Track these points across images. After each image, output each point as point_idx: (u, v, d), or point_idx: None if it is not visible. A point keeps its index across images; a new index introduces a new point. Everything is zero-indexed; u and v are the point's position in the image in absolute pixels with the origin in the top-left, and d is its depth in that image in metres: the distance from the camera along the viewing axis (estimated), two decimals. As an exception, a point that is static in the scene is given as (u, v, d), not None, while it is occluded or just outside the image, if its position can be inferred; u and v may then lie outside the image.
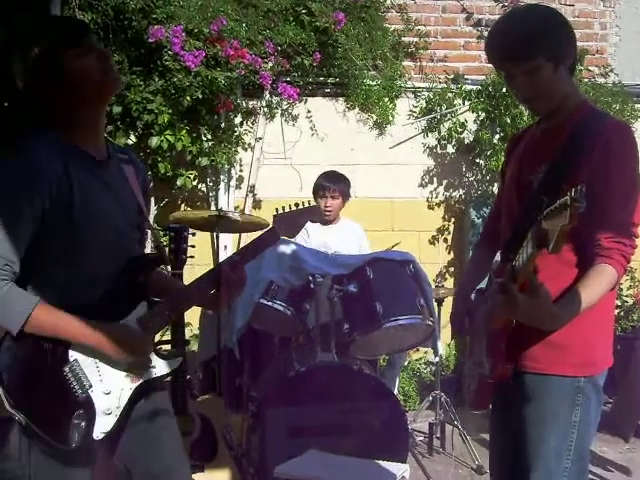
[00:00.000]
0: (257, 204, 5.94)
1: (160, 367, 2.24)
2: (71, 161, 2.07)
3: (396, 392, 5.08)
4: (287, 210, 2.42)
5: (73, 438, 2.05)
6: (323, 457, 3.30)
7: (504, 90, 5.58)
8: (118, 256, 2.21)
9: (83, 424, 2.07)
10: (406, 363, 5.56)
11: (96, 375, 2.12)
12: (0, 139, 2.29)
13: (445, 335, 5.83)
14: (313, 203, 2.49)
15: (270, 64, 5.43)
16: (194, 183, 5.69)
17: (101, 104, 2.20)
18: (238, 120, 5.81)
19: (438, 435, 4.70)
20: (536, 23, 2.21)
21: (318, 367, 3.82)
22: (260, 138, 5.88)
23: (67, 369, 2.08)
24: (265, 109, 5.87)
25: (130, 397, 2.16)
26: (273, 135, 5.95)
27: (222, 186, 5.85)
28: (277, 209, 2.39)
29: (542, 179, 2.24)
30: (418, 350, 5.74)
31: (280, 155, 5.94)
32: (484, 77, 5.88)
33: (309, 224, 4.93)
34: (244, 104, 5.78)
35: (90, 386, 2.10)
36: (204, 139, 5.51)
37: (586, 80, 5.80)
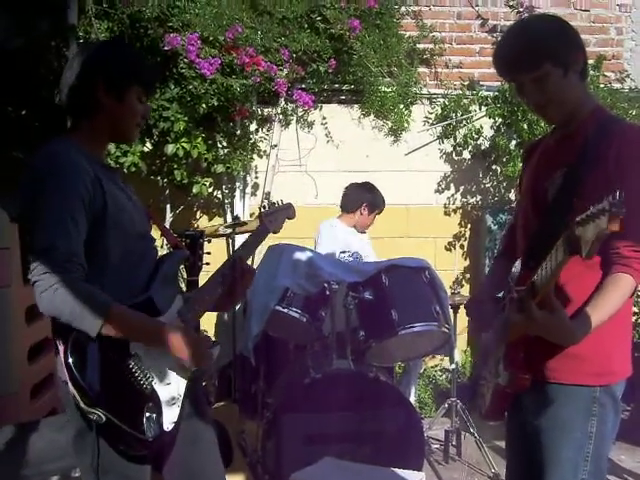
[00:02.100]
0: (272, 211, 5.94)
1: None
2: (95, 168, 2.19)
3: (414, 399, 5.07)
4: (269, 208, 2.81)
5: (150, 430, 2.13)
6: (339, 465, 3.30)
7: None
8: (146, 256, 2.32)
9: (154, 416, 2.15)
10: (422, 370, 5.54)
11: (156, 367, 2.19)
12: (21, 143, 2.47)
13: (461, 342, 5.84)
14: (287, 202, 2.92)
15: (285, 71, 5.44)
16: (210, 190, 5.70)
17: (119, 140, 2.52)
18: (253, 127, 5.81)
19: (454, 443, 4.67)
20: (539, 31, 2.24)
21: (334, 374, 3.82)
22: (275, 145, 5.89)
23: (132, 363, 2.14)
24: (280, 116, 5.87)
25: (188, 386, 2.27)
26: (288, 142, 5.95)
27: (238, 193, 5.85)
28: (260, 207, 2.78)
29: (558, 186, 2.23)
30: (434, 357, 5.73)
31: (295, 162, 5.94)
32: (499, 83, 5.85)
33: (335, 222, 5.00)
34: (259, 111, 5.79)
35: (152, 378, 2.18)
36: (220, 146, 5.52)
37: (602, 86, 5.77)
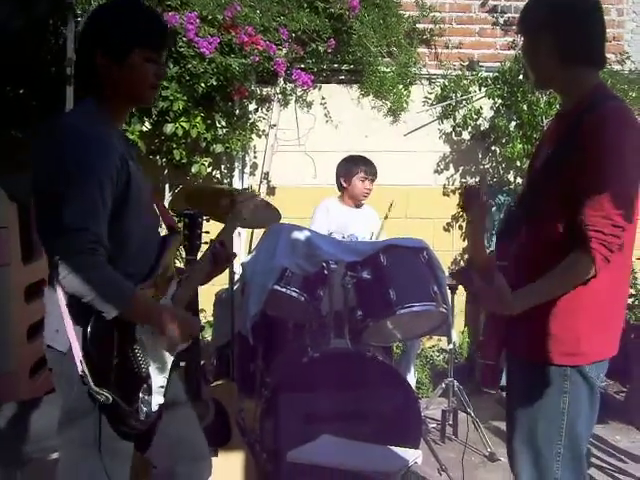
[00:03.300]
0: (271, 191, 5.94)
1: None
2: (119, 140, 2.22)
3: (414, 379, 5.09)
4: (244, 195, 3.02)
5: (142, 411, 2.21)
6: (336, 443, 3.32)
7: (520, 77, 5.55)
8: (153, 236, 2.37)
9: (146, 397, 2.23)
10: (419, 350, 5.55)
11: (152, 352, 2.26)
12: (20, 122, 2.48)
13: (458, 322, 5.86)
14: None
15: (284, 51, 5.42)
16: (208, 170, 5.70)
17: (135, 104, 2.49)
18: (252, 107, 5.80)
19: (451, 422, 4.70)
20: (554, 4, 2.28)
21: (332, 353, 3.84)
22: (274, 125, 5.88)
23: (136, 347, 2.20)
24: (279, 96, 5.86)
25: (170, 370, 2.34)
26: (287, 122, 5.94)
27: (236, 173, 5.86)
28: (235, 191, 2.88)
29: (542, 165, 2.33)
30: (431, 338, 5.74)
31: (294, 142, 5.94)
32: (499, 64, 5.85)
33: (332, 203, 4.98)
34: (258, 91, 5.78)
35: (149, 362, 2.25)
36: (218, 126, 5.50)
37: (603, 67, 5.75)
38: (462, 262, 6.02)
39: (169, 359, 2.34)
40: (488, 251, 2.34)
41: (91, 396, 2.10)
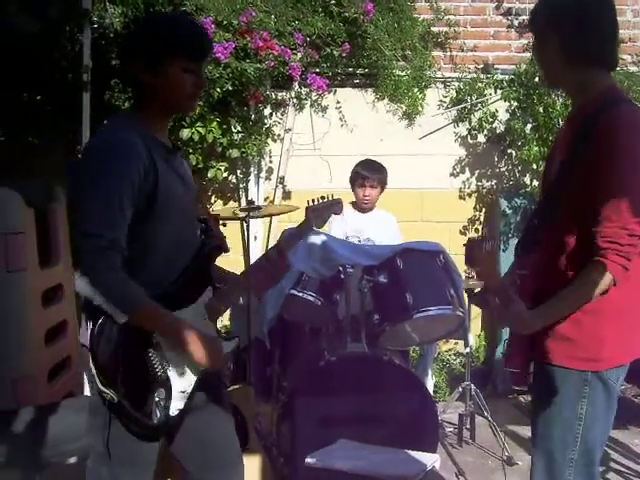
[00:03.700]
0: (287, 195, 5.95)
1: (225, 347, 2.41)
2: (151, 147, 2.23)
3: (432, 383, 5.07)
4: (316, 203, 2.75)
5: (156, 415, 2.21)
6: (353, 447, 3.31)
7: (536, 79, 5.53)
8: (188, 242, 2.37)
9: (163, 402, 2.23)
10: (436, 354, 5.54)
11: (173, 356, 2.25)
12: (35, 128, 2.60)
13: (475, 326, 5.84)
14: (337, 197, 2.86)
15: (299, 55, 5.43)
16: (224, 175, 5.71)
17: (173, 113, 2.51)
18: (268, 111, 5.80)
19: (468, 426, 4.68)
20: (560, 4, 2.27)
21: (348, 357, 3.83)
22: (290, 129, 5.89)
23: (152, 350, 2.21)
24: (294, 100, 5.86)
25: (198, 377, 2.32)
26: (302, 126, 5.94)
27: (252, 177, 5.85)
28: (308, 201, 2.71)
29: (556, 174, 2.32)
30: (448, 341, 5.73)
31: (309, 146, 5.94)
32: (514, 66, 5.83)
33: (345, 209, 4.97)
34: (273, 95, 5.78)
35: (169, 365, 2.25)
36: (234, 131, 5.51)
37: (618, 69, 5.72)
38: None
39: (192, 367, 2.32)
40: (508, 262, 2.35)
41: (100, 394, 2.16)
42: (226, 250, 2.53)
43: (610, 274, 2.11)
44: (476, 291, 2.36)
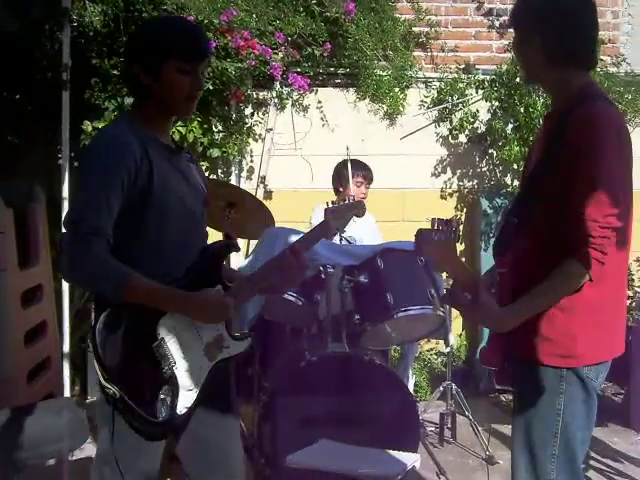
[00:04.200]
0: (268, 195, 5.94)
1: (234, 347, 2.42)
2: (149, 145, 2.27)
3: (413, 383, 5.08)
4: (337, 205, 2.62)
5: (160, 412, 2.20)
6: (334, 447, 3.31)
7: (517, 79, 5.56)
8: (195, 241, 2.40)
9: (169, 399, 2.22)
10: (417, 354, 5.55)
11: (179, 353, 2.26)
12: (16, 128, 2.72)
13: (456, 326, 5.85)
14: (358, 199, 2.78)
15: (280, 55, 5.42)
16: (206, 174, 5.69)
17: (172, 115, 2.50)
18: (249, 111, 5.79)
19: (449, 425, 4.70)
20: (542, 3, 2.31)
21: (329, 357, 3.83)
22: (271, 129, 5.88)
23: (155, 346, 2.22)
24: (275, 100, 5.85)
25: (207, 375, 2.32)
26: (284, 126, 5.94)
27: (233, 177, 5.85)
28: (328, 203, 2.61)
29: (532, 171, 2.37)
30: (429, 341, 5.74)
31: (291, 146, 5.94)
32: (495, 67, 5.85)
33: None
34: (255, 95, 5.77)
35: (175, 363, 2.24)
36: (215, 130, 5.50)
37: (598, 70, 5.76)
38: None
39: (205, 362, 2.33)
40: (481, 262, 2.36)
41: (103, 390, 2.16)
42: (237, 249, 2.54)
43: (584, 269, 2.12)
44: (444, 290, 2.35)
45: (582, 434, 2.32)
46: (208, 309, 2.28)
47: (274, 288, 2.57)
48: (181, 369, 2.26)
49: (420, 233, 2.28)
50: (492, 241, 5.72)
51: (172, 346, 2.25)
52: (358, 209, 2.68)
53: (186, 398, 2.27)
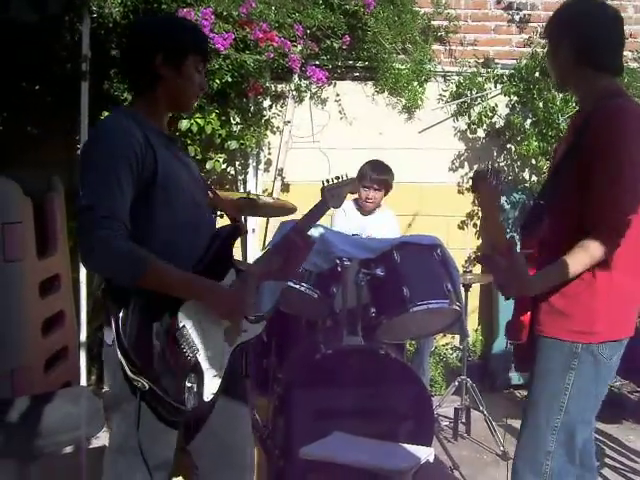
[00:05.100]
0: (285, 187, 5.95)
1: (251, 330, 2.45)
2: (150, 134, 2.27)
3: (428, 377, 5.08)
4: (332, 182, 2.68)
5: (189, 400, 2.22)
6: (348, 439, 3.32)
7: (537, 74, 5.53)
8: (200, 226, 2.39)
9: (195, 386, 2.23)
10: (433, 348, 5.55)
11: (201, 339, 2.27)
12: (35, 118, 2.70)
13: (472, 320, 5.84)
14: (352, 176, 2.78)
15: (299, 47, 5.41)
16: (223, 166, 5.70)
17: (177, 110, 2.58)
18: (267, 103, 5.79)
19: (463, 420, 4.70)
20: (572, 10, 2.51)
21: (345, 350, 3.83)
22: (289, 121, 5.88)
23: (178, 335, 2.22)
24: (294, 92, 5.85)
25: (229, 360, 2.34)
26: (302, 118, 5.94)
27: (251, 169, 5.84)
28: (323, 182, 2.68)
29: (560, 159, 2.53)
30: (445, 335, 5.73)
31: (309, 139, 5.93)
32: (515, 61, 5.82)
33: (348, 208, 4.98)
34: (273, 87, 5.78)
35: (197, 350, 2.26)
36: (233, 122, 5.50)
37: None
38: (476, 260, 6.01)
39: (225, 347, 2.34)
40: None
41: (130, 383, 2.16)
42: (245, 231, 2.55)
43: (603, 248, 2.28)
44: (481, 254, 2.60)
45: (585, 414, 2.44)
46: (228, 304, 2.29)
47: (284, 270, 2.55)
48: (204, 355, 2.27)
49: (477, 171, 2.41)
50: (510, 236, 5.71)
51: (194, 333, 2.25)
52: (352, 186, 2.77)
53: (212, 384, 2.28)
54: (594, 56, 2.44)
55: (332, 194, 2.66)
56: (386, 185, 4.97)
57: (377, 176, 4.91)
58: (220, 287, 2.31)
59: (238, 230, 2.51)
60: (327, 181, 2.66)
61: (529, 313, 2.48)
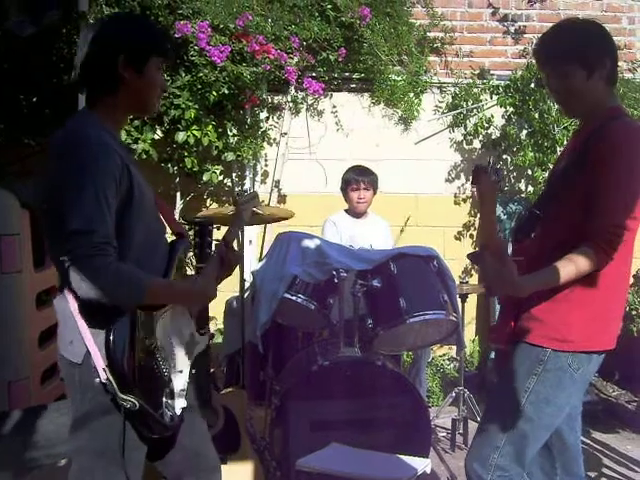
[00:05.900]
0: (282, 199, 5.96)
1: (202, 341, 2.48)
2: (116, 145, 2.21)
3: (425, 388, 5.07)
4: (243, 197, 2.94)
5: (166, 415, 2.22)
6: (345, 451, 3.32)
7: (532, 85, 5.55)
8: (159, 241, 2.37)
9: (170, 402, 2.24)
10: (430, 359, 5.55)
11: (171, 356, 2.28)
12: (32, 130, 2.54)
13: (469, 331, 5.84)
14: (253, 191, 2.93)
15: (295, 59, 5.44)
16: (220, 178, 5.71)
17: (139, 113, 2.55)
18: (264, 115, 5.82)
19: (461, 431, 4.69)
20: (572, 34, 2.49)
21: (341, 362, 3.83)
22: (285, 133, 5.90)
23: (156, 351, 2.21)
24: (290, 104, 5.88)
25: (190, 374, 2.36)
26: (298, 130, 5.96)
27: (247, 181, 5.86)
28: (235, 197, 2.79)
29: (558, 176, 2.55)
30: (442, 346, 5.73)
31: (305, 150, 5.95)
32: (510, 72, 5.85)
33: (338, 218, 4.99)
34: (270, 99, 5.81)
35: (169, 367, 2.26)
36: (230, 134, 5.52)
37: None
38: (472, 271, 6.01)
39: (188, 363, 2.35)
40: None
41: (115, 403, 2.10)
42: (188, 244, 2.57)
43: (595, 260, 2.30)
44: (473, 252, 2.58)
45: (544, 419, 2.45)
46: (205, 293, 2.38)
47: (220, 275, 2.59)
48: (175, 372, 2.28)
49: (477, 167, 2.43)
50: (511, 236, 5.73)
51: (168, 348, 2.27)
52: (255, 201, 3.09)
53: (181, 398, 2.29)
54: (608, 71, 2.45)
55: (244, 207, 2.87)
56: (373, 185, 4.99)
57: (362, 177, 4.94)
58: (199, 283, 2.37)
59: (188, 245, 2.55)
60: (238, 195, 2.82)
61: (511, 318, 2.53)
